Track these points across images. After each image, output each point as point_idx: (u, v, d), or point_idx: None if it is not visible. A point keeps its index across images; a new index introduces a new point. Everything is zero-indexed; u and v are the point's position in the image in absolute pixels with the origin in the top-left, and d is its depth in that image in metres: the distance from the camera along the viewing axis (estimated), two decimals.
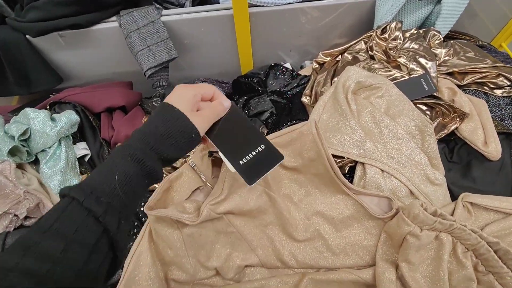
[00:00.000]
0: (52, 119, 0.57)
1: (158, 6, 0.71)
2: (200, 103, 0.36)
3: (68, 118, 0.57)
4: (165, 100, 0.34)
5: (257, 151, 0.37)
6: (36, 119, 0.55)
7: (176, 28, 0.70)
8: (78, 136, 0.62)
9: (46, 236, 0.25)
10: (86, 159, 0.61)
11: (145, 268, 0.42)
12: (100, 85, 0.71)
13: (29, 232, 0.26)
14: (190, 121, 0.33)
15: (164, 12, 0.68)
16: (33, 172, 0.61)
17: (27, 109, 0.57)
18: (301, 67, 0.83)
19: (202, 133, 0.34)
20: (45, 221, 0.26)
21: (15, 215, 0.58)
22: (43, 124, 0.55)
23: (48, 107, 0.63)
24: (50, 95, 0.72)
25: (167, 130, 0.32)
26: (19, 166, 0.60)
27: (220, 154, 0.37)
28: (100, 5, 0.65)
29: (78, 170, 0.59)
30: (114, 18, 0.67)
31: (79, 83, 0.80)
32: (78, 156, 0.60)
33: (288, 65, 0.80)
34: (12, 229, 0.57)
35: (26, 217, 0.60)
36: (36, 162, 0.61)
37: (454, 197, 0.51)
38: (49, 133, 0.55)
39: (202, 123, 0.34)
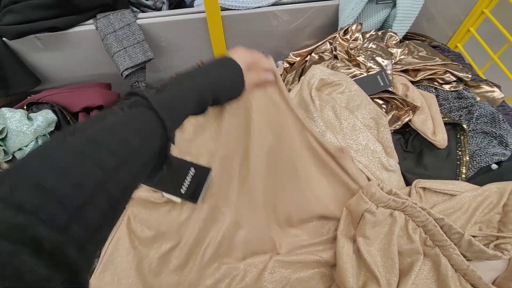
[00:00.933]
0: (29, 118, 0.59)
1: (135, 9, 0.74)
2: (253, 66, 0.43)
3: (44, 117, 0.59)
4: (228, 55, 0.41)
5: (190, 175, 0.42)
6: (12, 118, 0.57)
7: (152, 30, 0.73)
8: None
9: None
10: None
11: (123, 252, 0.45)
12: (78, 85, 0.73)
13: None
14: (243, 77, 0.40)
15: (140, 15, 0.72)
16: None
17: (3, 109, 0.58)
18: None
19: (246, 88, 0.41)
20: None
21: None
22: (19, 123, 0.57)
23: (25, 107, 0.65)
24: (28, 97, 0.73)
25: (227, 78, 0.39)
26: None
27: (164, 193, 0.42)
28: (77, 8, 0.67)
29: None
30: (91, 21, 0.70)
31: (57, 85, 0.81)
32: None
33: None
34: None
35: None
36: (13, 161, 0.63)
37: (408, 183, 0.56)
38: (25, 131, 0.57)
39: (249, 81, 0.41)
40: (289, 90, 0.66)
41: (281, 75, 0.76)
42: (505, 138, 0.57)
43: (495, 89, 0.68)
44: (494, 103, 0.67)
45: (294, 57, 0.76)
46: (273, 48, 0.84)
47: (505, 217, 0.43)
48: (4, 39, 0.68)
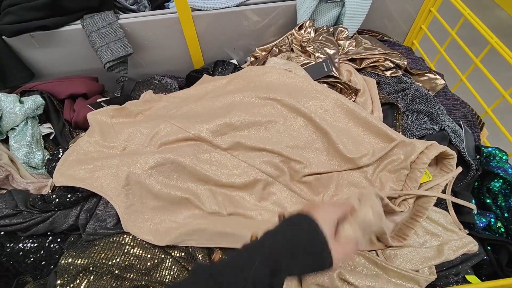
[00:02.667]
0: (21, 102, 0.68)
1: (116, 12, 0.84)
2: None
3: (34, 101, 0.68)
4: (312, 214, 0.32)
5: None
6: (6, 101, 0.66)
7: (133, 29, 0.82)
8: (43, 117, 0.72)
9: None
10: (51, 137, 0.72)
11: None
12: (66, 77, 0.82)
13: None
14: (330, 253, 0.31)
15: (122, 16, 0.82)
16: (3, 149, 0.71)
17: None
18: (245, 62, 0.96)
19: (334, 266, 0.32)
20: None
21: None
22: (12, 105, 0.66)
23: (19, 94, 0.74)
24: (21, 86, 0.83)
25: (304, 255, 0.31)
26: None
27: None
28: (66, 10, 0.78)
29: (43, 145, 0.69)
30: (78, 21, 0.80)
31: (50, 78, 0.91)
32: (43, 134, 0.70)
33: (234, 61, 0.93)
34: None
35: None
36: (6, 141, 0.72)
37: None
38: (17, 112, 0.66)
39: (338, 256, 0.32)
40: None
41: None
42: (435, 115, 0.64)
43: (438, 76, 0.76)
44: (436, 88, 0.75)
45: (260, 52, 0.85)
46: (243, 45, 0.93)
47: (412, 173, 0.50)
48: (3, 37, 0.78)
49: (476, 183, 0.61)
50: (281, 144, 0.58)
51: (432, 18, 0.89)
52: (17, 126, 0.67)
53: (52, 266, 0.59)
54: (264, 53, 0.85)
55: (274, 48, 0.80)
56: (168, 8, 0.87)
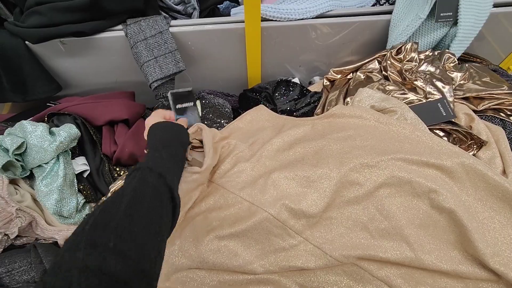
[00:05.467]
0: (51, 133, 0.53)
1: (165, 15, 0.69)
2: None
3: (68, 133, 0.53)
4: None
5: None
6: (33, 133, 0.52)
7: (184, 39, 0.67)
8: (77, 150, 0.58)
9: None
10: (85, 175, 0.58)
11: None
12: (102, 95, 0.67)
13: None
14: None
15: (173, 22, 0.66)
16: (27, 188, 0.57)
17: (24, 122, 0.53)
18: (310, 83, 0.81)
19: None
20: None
21: (6, 235, 0.54)
22: (41, 139, 0.51)
23: (46, 118, 0.59)
24: (48, 104, 0.68)
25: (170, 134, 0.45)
26: (12, 181, 0.56)
27: None
28: (106, 13, 0.62)
29: (76, 188, 0.55)
30: (120, 26, 0.64)
31: (79, 91, 0.76)
32: (76, 172, 0.56)
33: (296, 80, 0.78)
34: (1, 250, 0.53)
35: (17, 236, 0.56)
36: (30, 177, 0.58)
37: None
38: (47, 148, 0.51)
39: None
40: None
41: (320, 92, 0.70)
42: None
43: None
44: None
45: (335, 74, 0.70)
46: (310, 62, 0.78)
47: None
48: (26, 42, 0.63)
49: None
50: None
51: None
52: (45, 163, 0.53)
53: None
54: (340, 76, 0.70)
55: (358, 73, 0.65)
56: (227, 13, 0.71)
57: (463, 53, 0.72)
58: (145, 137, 0.46)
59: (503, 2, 0.68)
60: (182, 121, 0.50)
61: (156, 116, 0.48)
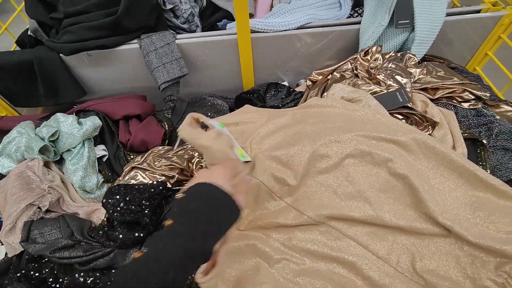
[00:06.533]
0: (79, 123, 0.66)
1: (172, 32, 0.83)
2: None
3: (92, 122, 0.66)
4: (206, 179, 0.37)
5: None
6: (65, 122, 0.64)
7: (188, 50, 0.81)
8: (98, 139, 0.70)
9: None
10: (104, 159, 0.69)
11: None
12: (119, 97, 0.80)
13: None
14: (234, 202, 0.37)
15: (178, 36, 0.80)
16: (56, 171, 0.69)
17: (58, 114, 0.66)
18: (297, 85, 0.93)
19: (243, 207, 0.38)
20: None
21: (38, 208, 0.65)
22: (71, 127, 0.64)
23: (74, 113, 0.72)
24: (76, 106, 0.81)
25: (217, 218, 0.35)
26: (45, 165, 0.68)
27: None
28: (125, 30, 0.77)
29: (97, 168, 0.67)
30: (135, 40, 0.79)
31: (99, 96, 0.90)
32: (97, 157, 0.68)
33: (285, 83, 0.90)
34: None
35: (47, 211, 0.67)
36: (59, 162, 0.69)
37: None
38: (75, 134, 0.63)
39: (241, 197, 0.39)
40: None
41: (303, 91, 0.81)
42: None
43: None
44: None
45: (316, 76, 0.81)
46: (296, 68, 0.90)
47: None
48: (61, 55, 0.77)
49: None
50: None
51: (500, 44, 0.84)
52: (73, 148, 0.65)
53: None
54: (321, 77, 0.81)
55: (335, 73, 0.76)
56: (224, 28, 0.85)
57: (429, 55, 0.83)
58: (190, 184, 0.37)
59: (466, 11, 0.80)
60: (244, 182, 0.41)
61: (225, 168, 0.40)
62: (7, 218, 0.61)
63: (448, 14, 0.77)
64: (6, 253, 0.64)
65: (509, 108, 0.70)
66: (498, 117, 0.64)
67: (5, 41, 1.01)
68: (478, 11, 0.81)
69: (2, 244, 0.68)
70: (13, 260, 0.60)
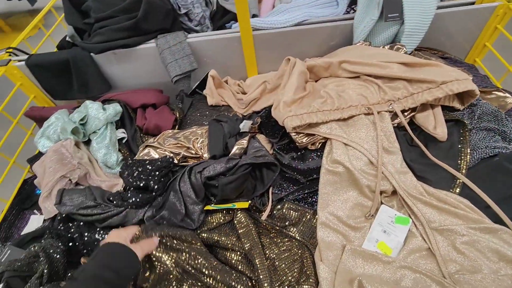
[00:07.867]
0: (104, 109, 0.77)
1: (184, 32, 0.94)
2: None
3: (114, 108, 0.77)
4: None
5: None
6: (92, 107, 0.76)
7: (197, 47, 0.91)
8: (119, 124, 0.82)
9: None
10: (124, 141, 0.81)
11: None
12: (138, 90, 0.92)
13: None
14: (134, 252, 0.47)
15: (189, 35, 0.90)
16: (85, 150, 0.81)
17: (87, 101, 0.78)
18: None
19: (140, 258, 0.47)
20: None
21: (69, 180, 0.77)
22: (96, 111, 0.75)
23: (101, 102, 0.84)
24: (101, 96, 0.94)
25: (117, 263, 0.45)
26: (76, 144, 0.80)
27: None
28: (145, 31, 0.89)
29: (117, 148, 0.78)
30: (152, 40, 0.90)
31: (123, 90, 1.02)
32: (118, 138, 0.79)
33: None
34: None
35: (76, 183, 0.79)
36: (87, 143, 0.82)
37: (413, 171, 0.61)
38: (100, 118, 0.75)
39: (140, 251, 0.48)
40: None
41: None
42: (508, 134, 0.60)
43: (508, 95, 0.72)
44: (506, 107, 0.71)
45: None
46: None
47: None
48: (91, 54, 0.91)
49: None
50: None
51: (498, 35, 0.85)
52: (98, 129, 0.77)
53: None
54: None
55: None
56: (230, 28, 0.95)
57: (425, 48, 0.86)
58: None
59: (460, 3, 0.83)
60: (147, 243, 0.51)
61: (113, 236, 0.49)
62: (45, 187, 0.74)
63: (442, 7, 0.81)
64: (43, 221, 0.77)
65: (501, 94, 0.72)
66: (483, 101, 0.67)
67: (49, 48, 1.17)
68: (473, 3, 0.83)
69: (42, 214, 0.81)
70: (48, 224, 0.71)
